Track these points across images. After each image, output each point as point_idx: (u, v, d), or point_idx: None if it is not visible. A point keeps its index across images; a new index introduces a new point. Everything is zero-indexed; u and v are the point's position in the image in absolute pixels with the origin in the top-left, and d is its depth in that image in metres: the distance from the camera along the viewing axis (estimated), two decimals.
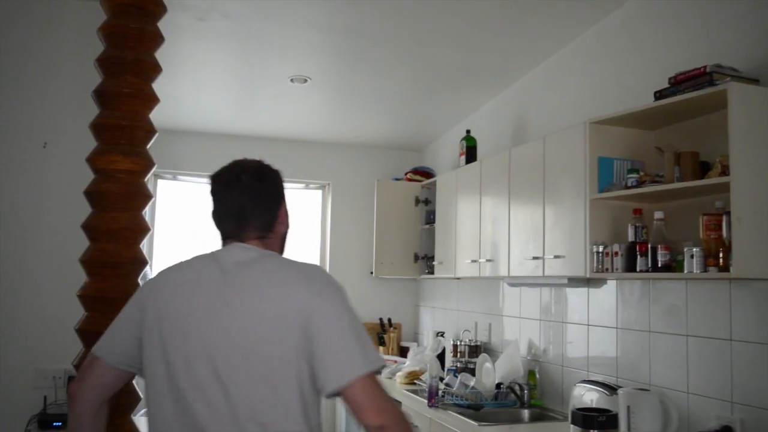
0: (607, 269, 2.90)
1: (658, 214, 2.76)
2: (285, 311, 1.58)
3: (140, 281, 2.31)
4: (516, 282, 3.93)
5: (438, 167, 5.42)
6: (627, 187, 2.88)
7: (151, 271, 5.16)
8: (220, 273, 1.66)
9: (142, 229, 2.30)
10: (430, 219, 5.00)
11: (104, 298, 2.21)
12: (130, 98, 2.29)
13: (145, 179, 2.34)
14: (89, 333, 2.21)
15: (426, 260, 5.08)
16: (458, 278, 4.80)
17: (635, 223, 2.85)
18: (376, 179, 5.29)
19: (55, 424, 3.01)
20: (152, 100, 2.37)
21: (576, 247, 3.06)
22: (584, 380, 3.36)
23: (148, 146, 2.37)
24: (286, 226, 1.84)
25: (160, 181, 5.59)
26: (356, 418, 1.58)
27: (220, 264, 1.68)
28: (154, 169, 2.39)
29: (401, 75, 4.38)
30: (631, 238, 2.84)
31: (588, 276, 2.98)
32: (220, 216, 1.78)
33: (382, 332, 5.60)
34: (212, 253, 1.74)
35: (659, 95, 2.75)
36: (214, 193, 1.78)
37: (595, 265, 2.95)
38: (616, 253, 2.87)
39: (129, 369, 1.72)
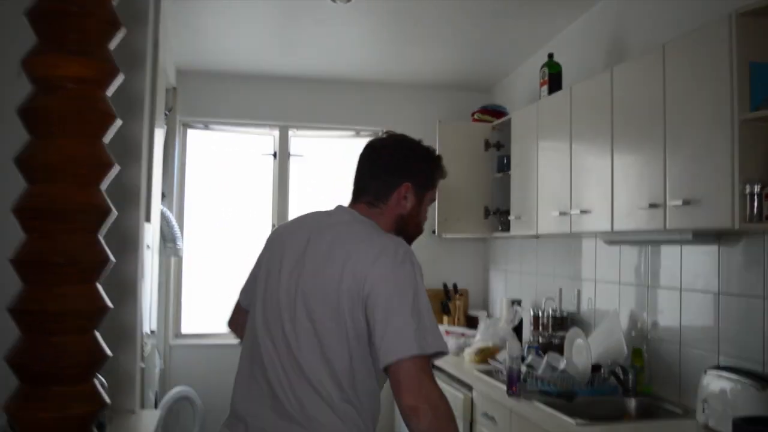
0: (767, 217, 2.07)
1: None
2: (346, 275, 1.61)
3: (100, 237, 1.60)
4: (616, 239, 3.12)
5: (512, 107, 4.57)
6: None
7: (182, 240, 4.52)
8: (317, 229, 1.76)
9: (101, 164, 1.58)
10: (503, 166, 4.18)
11: (47, 264, 1.50)
12: None
13: (107, 92, 1.61)
14: (27, 314, 1.52)
15: (499, 215, 4.27)
16: (537, 237, 4.01)
17: None
18: (438, 120, 4.47)
19: None
20: None
21: (717, 189, 2.23)
22: (717, 366, 2.55)
23: (111, 45, 1.64)
24: (405, 210, 1.82)
25: (190, 131, 4.92)
26: (394, 395, 1.55)
27: (325, 223, 1.79)
28: (120, 79, 1.65)
29: None
30: None
31: (737, 227, 2.14)
32: (354, 180, 1.88)
33: (446, 300, 4.85)
34: (328, 211, 1.85)
35: None
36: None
37: (747, 212, 2.12)
38: None
39: None
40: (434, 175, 1.89)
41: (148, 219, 3.51)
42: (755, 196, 2.09)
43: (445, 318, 4.78)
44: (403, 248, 1.67)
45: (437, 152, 1.93)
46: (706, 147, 2.30)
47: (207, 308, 4.88)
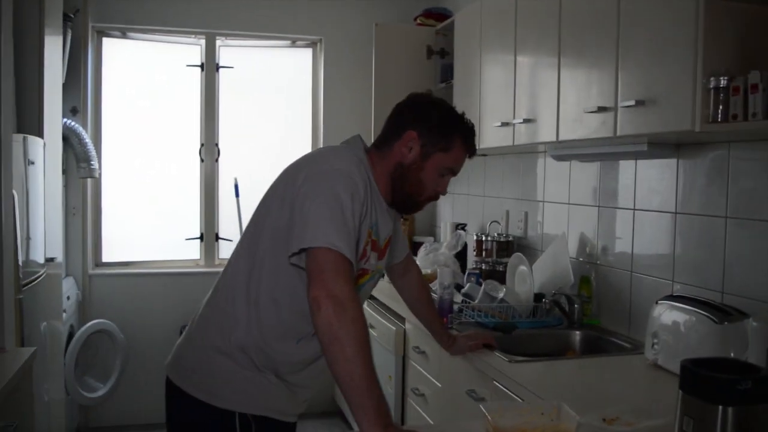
0: (734, 116, 1.70)
1: None
2: (282, 182, 1.70)
3: None
4: (565, 153, 2.75)
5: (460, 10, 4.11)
6: None
7: (97, 160, 4.07)
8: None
9: None
10: (446, 75, 3.76)
11: None
12: None
13: None
14: None
15: None
16: (485, 155, 3.64)
17: None
18: (375, 23, 4.00)
19: None
20: None
21: (676, 86, 1.85)
22: (670, 295, 2.23)
23: None
24: (406, 159, 1.72)
25: (106, 40, 4.40)
26: None
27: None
28: None
29: None
30: None
31: (698, 129, 1.78)
32: None
33: None
34: None
35: None
36: None
37: (711, 111, 1.76)
38: (754, 88, 1.66)
39: None
40: (451, 136, 1.73)
41: (38, 132, 3.09)
42: (720, 91, 1.72)
43: None
44: (345, 165, 1.62)
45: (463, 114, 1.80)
46: (664, 37, 1.90)
47: (131, 235, 4.48)
